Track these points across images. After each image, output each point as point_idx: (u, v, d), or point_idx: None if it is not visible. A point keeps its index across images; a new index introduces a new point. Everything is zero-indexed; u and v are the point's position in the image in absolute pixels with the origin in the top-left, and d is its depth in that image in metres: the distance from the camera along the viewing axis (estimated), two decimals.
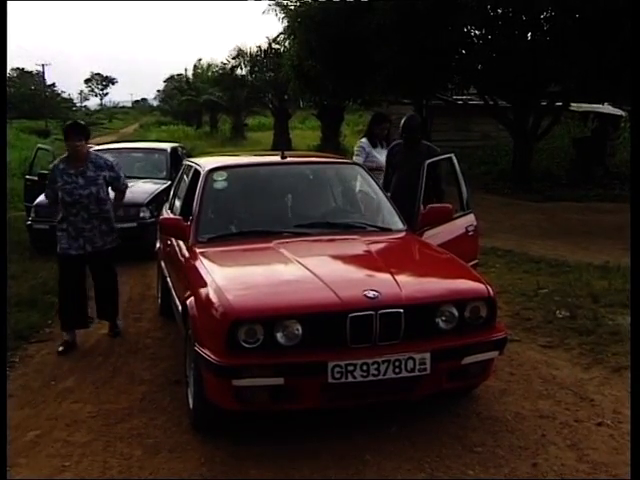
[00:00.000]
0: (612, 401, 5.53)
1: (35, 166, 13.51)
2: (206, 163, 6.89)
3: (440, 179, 7.91)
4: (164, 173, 13.30)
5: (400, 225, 6.28)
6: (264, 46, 40.64)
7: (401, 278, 4.94)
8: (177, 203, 7.55)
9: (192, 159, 8.04)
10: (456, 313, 4.80)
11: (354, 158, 8.82)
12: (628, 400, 5.48)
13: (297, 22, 21.43)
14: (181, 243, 6.21)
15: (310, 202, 6.62)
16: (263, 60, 41.28)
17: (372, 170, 8.15)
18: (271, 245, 5.62)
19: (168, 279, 7.11)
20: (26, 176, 13.62)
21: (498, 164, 23.22)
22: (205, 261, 5.42)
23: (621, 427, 5.08)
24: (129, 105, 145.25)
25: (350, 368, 4.52)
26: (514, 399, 5.59)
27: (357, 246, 5.77)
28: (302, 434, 4.99)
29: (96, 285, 7.52)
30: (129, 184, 12.31)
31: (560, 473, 4.50)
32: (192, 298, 5.14)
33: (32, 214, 11.92)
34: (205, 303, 4.87)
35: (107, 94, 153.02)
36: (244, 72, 43.86)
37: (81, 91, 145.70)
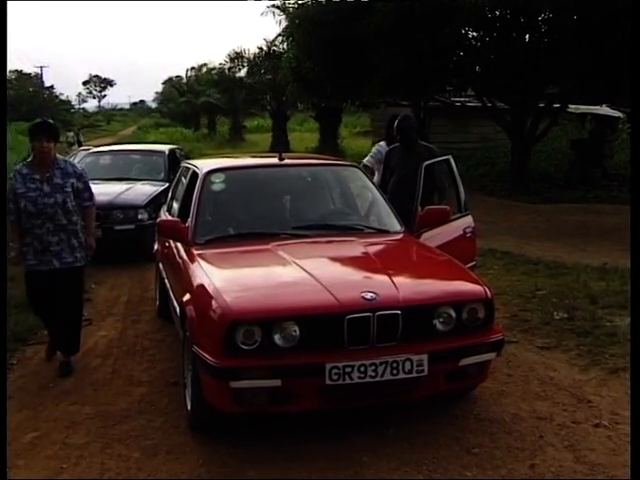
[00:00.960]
0: (609, 402, 5.54)
1: None
2: (204, 165, 6.90)
3: (442, 178, 7.93)
4: (162, 175, 13.30)
5: (397, 227, 6.28)
6: (262, 48, 40.69)
7: (398, 280, 4.94)
8: (175, 205, 7.56)
9: (190, 161, 8.06)
10: (454, 315, 4.81)
11: (365, 159, 8.95)
12: (626, 401, 5.50)
13: (295, 24, 21.46)
14: (179, 245, 6.21)
15: (308, 204, 6.63)
16: (261, 62, 41.30)
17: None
18: (269, 247, 5.63)
19: (166, 281, 7.12)
20: None
21: (496, 166, 23.24)
22: (203, 263, 5.43)
23: (619, 428, 5.08)
24: (127, 107, 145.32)
25: (348, 370, 4.52)
26: (512, 400, 5.60)
27: (354, 248, 5.78)
28: (300, 436, 4.99)
29: (58, 310, 6.54)
30: (127, 186, 12.47)
31: (558, 474, 4.50)
32: (190, 300, 5.15)
33: None
34: (203, 305, 4.87)
35: (105, 96, 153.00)
36: (242, 74, 43.91)
37: (79, 93, 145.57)
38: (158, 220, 7.14)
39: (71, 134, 42.78)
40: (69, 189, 6.38)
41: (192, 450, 4.89)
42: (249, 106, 48.20)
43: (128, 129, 76.49)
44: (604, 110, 23.75)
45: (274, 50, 37.53)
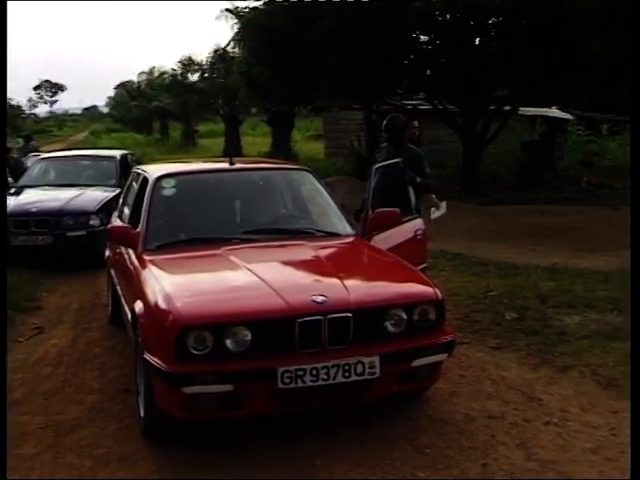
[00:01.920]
0: (559, 400, 5.61)
1: None
2: (154, 170, 6.88)
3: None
4: (114, 181, 13.19)
5: (349, 230, 6.31)
6: (215, 52, 40.57)
7: (349, 282, 4.97)
8: (126, 211, 7.51)
9: (141, 166, 8.01)
10: (405, 316, 4.84)
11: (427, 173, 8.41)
12: (575, 398, 5.62)
13: (246, 28, 21.42)
14: (130, 251, 6.17)
15: (259, 208, 6.63)
16: (213, 66, 41.18)
17: None
18: (220, 252, 5.62)
19: (118, 287, 7.07)
20: None
21: (447, 168, 23.38)
22: (154, 269, 5.41)
23: (568, 425, 5.16)
24: (79, 112, 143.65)
25: (300, 373, 4.53)
26: (464, 400, 5.64)
27: (305, 251, 5.79)
28: (253, 440, 4.98)
29: None
30: (79, 192, 12.35)
31: (509, 472, 4.55)
32: (141, 306, 5.12)
33: None
34: (154, 311, 4.85)
35: (57, 101, 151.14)
36: (195, 78, 43.73)
37: (30, 98, 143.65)
38: (109, 226, 7.09)
39: (20, 140, 42.15)
40: None
41: (145, 457, 4.86)
42: (202, 111, 47.97)
43: (80, 134, 75.58)
44: (554, 112, 24.09)
45: (226, 54, 37.46)
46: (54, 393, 6.16)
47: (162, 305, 4.77)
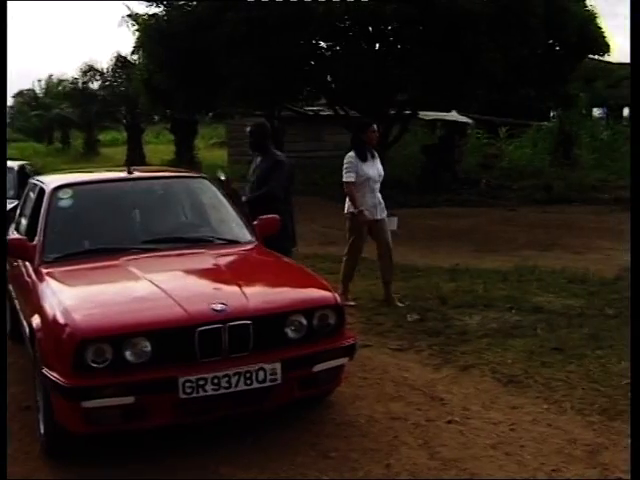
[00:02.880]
0: (461, 399, 5.71)
1: None
2: (51, 181, 6.75)
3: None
4: (12, 192, 12.82)
5: (248, 237, 6.31)
6: (115, 59, 39.97)
7: (249, 290, 4.98)
8: (23, 222, 7.35)
9: (38, 177, 7.84)
10: (305, 322, 4.87)
11: (344, 176, 8.41)
12: (476, 396, 5.73)
13: (146, 35, 21.18)
14: (27, 264, 6.03)
15: (158, 217, 6.56)
16: (114, 74, 40.58)
17: (363, 184, 8.33)
18: (119, 262, 5.55)
19: (16, 301, 6.90)
20: None
21: None
22: (51, 281, 5.31)
23: (470, 423, 5.26)
24: None
25: (201, 382, 4.52)
26: (367, 403, 5.69)
27: (205, 260, 5.76)
28: (157, 452, 4.93)
29: None
30: None
31: (412, 472, 4.61)
32: (39, 320, 5.01)
33: None
34: (52, 324, 4.76)
35: None
36: (95, 87, 42.99)
37: None
38: (6, 239, 6.93)
39: None
40: None
41: (46, 476, 4.76)
42: (103, 119, 47.18)
43: None
44: (453, 116, 24.54)
45: (127, 61, 36.96)
46: None
47: (59, 318, 4.68)
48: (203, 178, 7.15)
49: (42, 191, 6.59)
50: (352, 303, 8.18)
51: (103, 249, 5.88)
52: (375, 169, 8.54)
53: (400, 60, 17.84)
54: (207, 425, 5.08)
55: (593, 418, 5.23)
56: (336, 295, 5.11)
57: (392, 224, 8.76)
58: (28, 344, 5.67)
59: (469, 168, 24.12)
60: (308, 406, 5.49)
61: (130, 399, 4.47)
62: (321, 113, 24.13)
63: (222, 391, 4.57)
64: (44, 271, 5.56)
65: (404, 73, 17.09)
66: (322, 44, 19.17)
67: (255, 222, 6.47)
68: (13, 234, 7.56)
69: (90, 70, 41.34)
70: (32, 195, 7.22)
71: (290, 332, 4.84)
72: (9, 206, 11.80)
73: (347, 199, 8.42)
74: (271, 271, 5.86)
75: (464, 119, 24.98)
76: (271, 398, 4.86)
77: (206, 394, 4.54)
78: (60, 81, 54.30)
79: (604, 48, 18.92)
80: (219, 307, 4.66)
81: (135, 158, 33.39)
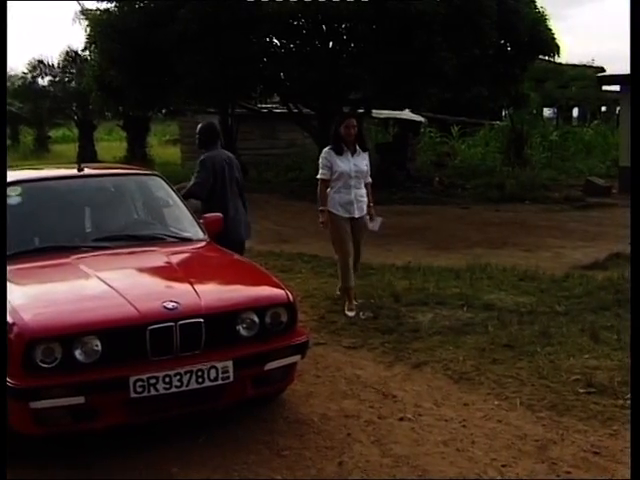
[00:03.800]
0: (413, 396, 5.74)
1: None
2: None
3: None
4: None
5: (201, 235, 6.29)
6: (66, 55, 39.49)
7: (201, 288, 4.97)
8: None
9: None
10: (257, 320, 4.88)
11: (319, 173, 8.21)
12: (428, 394, 5.76)
13: (98, 31, 20.94)
14: None
15: (109, 215, 6.51)
16: (65, 70, 40.09)
17: (337, 180, 8.02)
18: (69, 260, 5.50)
19: None
20: None
21: (304, 170, 23.57)
22: None
23: (422, 420, 5.29)
24: None
25: (152, 381, 4.49)
26: (320, 401, 5.70)
27: (157, 258, 5.73)
28: (109, 452, 4.87)
29: None
30: None
31: (364, 469, 4.63)
32: None
33: None
34: None
35: None
36: (46, 82, 42.41)
37: None
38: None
39: None
40: None
41: None
42: (54, 116, 46.61)
43: None
44: (406, 115, 24.64)
45: (78, 57, 36.55)
46: None
47: (8, 318, 4.61)
48: (155, 175, 7.11)
49: None
50: (351, 314, 7.86)
51: (53, 247, 5.81)
52: (351, 164, 8.12)
53: (353, 59, 17.84)
54: (158, 424, 5.05)
55: (542, 414, 5.29)
56: (288, 293, 5.11)
57: (375, 225, 8.39)
58: None
59: (422, 166, 24.24)
60: (261, 404, 5.48)
61: (80, 399, 4.43)
62: (275, 110, 24.11)
63: (174, 390, 4.56)
64: None
65: (357, 72, 17.08)
66: (275, 42, 19.12)
67: (200, 221, 6.48)
68: None
69: (39, 65, 40.79)
70: None
71: (242, 330, 4.84)
72: None
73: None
74: (223, 269, 5.85)
75: (417, 118, 25.11)
76: (224, 396, 4.86)
77: (158, 393, 4.52)
78: (8, 77, 53.53)
79: (554, 49, 19.13)
80: (171, 305, 4.65)
81: (87, 155, 32.99)
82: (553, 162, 24.60)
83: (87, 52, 27.64)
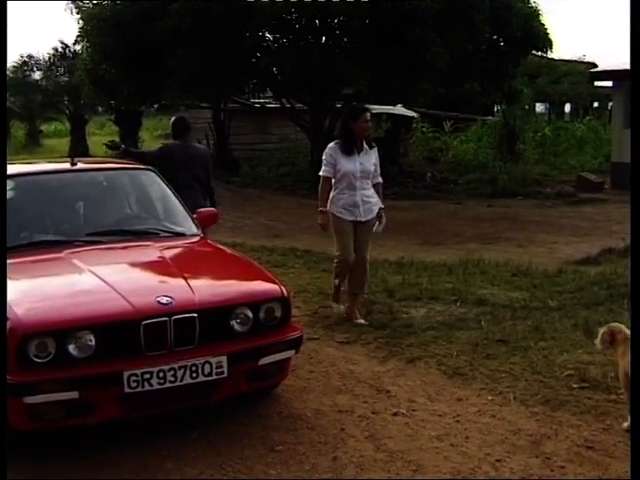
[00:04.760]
0: (407, 391, 5.74)
1: None
2: None
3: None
4: None
5: (194, 229, 6.27)
6: (57, 49, 39.35)
7: (195, 283, 4.96)
8: None
9: None
10: (251, 315, 4.87)
11: (322, 169, 7.58)
12: (422, 389, 5.75)
13: (90, 24, 20.87)
14: None
15: (103, 209, 6.48)
16: (57, 64, 39.94)
17: (341, 180, 7.41)
18: (62, 255, 5.47)
19: None
20: None
21: (296, 165, 23.59)
22: None
23: (415, 415, 5.29)
24: None
25: (146, 376, 4.49)
26: (314, 396, 5.69)
27: (151, 252, 5.71)
28: (103, 447, 4.86)
29: None
30: None
31: (359, 464, 4.62)
32: None
33: None
34: None
35: None
36: (37, 76, 42.25)
37: None
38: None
39: None
40: None
41: None
42: (46, 110, 46.45)
43: None
44: (399, 110, 24.61)
45: (70, 51, 36.43)
46: None
47: None
48: (149, 170, 7.08)
49: None
50: (361, 321, 7.43)
51: (46, 242, 5.79)
52: (357, 164, 7.40)
53: (347, 54, 17.82)
54: (152, 419, 5.04)
55: (536, 409, 5.30)
56: (282, 288, 5.10)
57: (380, 227, 7.77)
58: None
59: (414, 162, 24.25)
60: (255, 399, 5.47)
61: (74, 394, 4.43)
62: (268, 105, 24.08)
63: (168, 385, 4.56)
64: None
65: (351, 67, 17.10)
66: (268, 36, 19.10)
67: (194, 215, 6.46)
68: None
69: (30, 59, 40.64)
70: None
71: (236, 325, 4.84)
72: None
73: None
74: (217, 264, 5.85)
75: (410, 113, 25.08)
76: (218, 391, 4.85)
77: (152, 388, 4.52)
78: None
79: (547, 44, 19.16)
80: (165, 300, 4.64)
81: (78, 149, 32.90)
82: (545, 158, 24.65)
83: (79, 46, 27.56)
